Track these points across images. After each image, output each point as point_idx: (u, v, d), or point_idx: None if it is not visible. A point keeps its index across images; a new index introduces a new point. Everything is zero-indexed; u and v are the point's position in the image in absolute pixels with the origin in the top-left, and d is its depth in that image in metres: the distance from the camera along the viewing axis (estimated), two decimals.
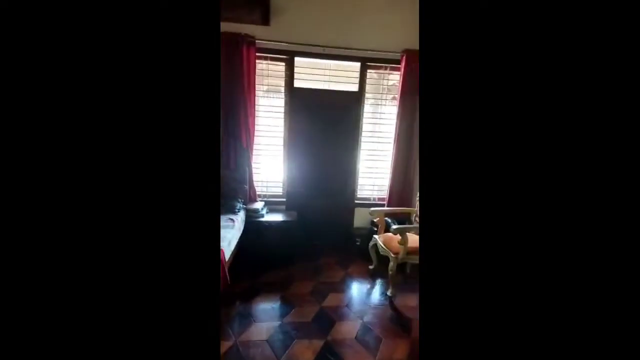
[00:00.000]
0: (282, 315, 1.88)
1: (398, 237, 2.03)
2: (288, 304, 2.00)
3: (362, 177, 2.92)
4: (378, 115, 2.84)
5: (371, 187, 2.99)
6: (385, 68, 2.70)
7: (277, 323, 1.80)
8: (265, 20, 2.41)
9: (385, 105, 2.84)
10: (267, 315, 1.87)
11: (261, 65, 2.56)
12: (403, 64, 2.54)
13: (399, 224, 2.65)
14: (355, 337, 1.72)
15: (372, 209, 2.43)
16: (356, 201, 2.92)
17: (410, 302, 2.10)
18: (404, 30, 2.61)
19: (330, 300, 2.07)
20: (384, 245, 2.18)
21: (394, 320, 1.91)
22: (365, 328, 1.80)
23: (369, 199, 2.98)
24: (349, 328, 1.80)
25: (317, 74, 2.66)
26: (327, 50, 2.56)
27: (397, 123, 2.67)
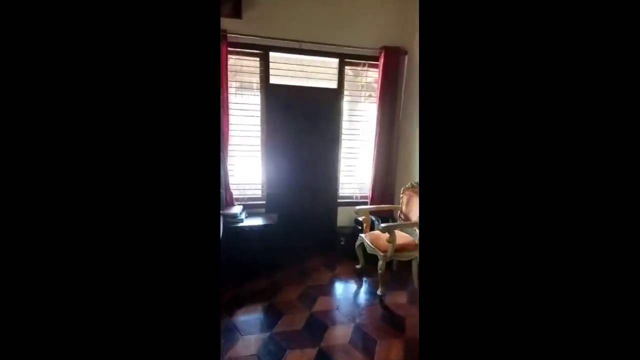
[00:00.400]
0: (271, 325, 1.76)
1: (386, 235, 2.00)
2: (276, 312, 1.89)
3: (344, 176, 2.87)
4: (358, 113, 2.81)
5: (352, 186, 2.95)
6: (364, 65, 2.67)
7: (266, 334, 1.68)
8: (237, 13, 2.26)
9: (364, 102, 2.82)
10: (254, 327, 1.75)
11: (233, 61, 2.41)
12: (382, 60, 2.53)
13: (382, 221, 2.66)
14: (350, 342, 1.66)
15: (358, 207, 2.39)
16: (339, 200, 2.87)
17: (400, 299, 2.09)
18: (382, 27, 2.60)
19: (320, 305, 1.99)
20: (372, 244, 2.15)
21: (386, 319, 1.88)
22: (359, 331, 1.75)
23: (351, 198, 2.95)
24: (342, 332, 1.74)
25: (294, 70, 2.56)
26: (304, 46, 2.47)
27: (377, 120, 2.65)
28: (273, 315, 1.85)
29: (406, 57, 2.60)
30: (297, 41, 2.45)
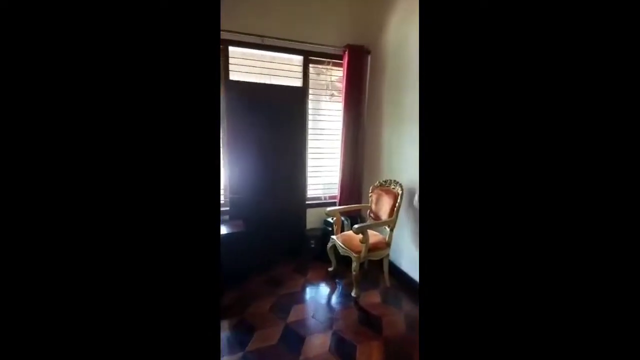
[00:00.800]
0: (243, 343, 1.62)
1: (359, 236, 1.97)
2: (248, 328, 1.74)
3: (310, 176, 2.80)
4: (322, 112, 2.76)
5: (319, 186, 2.90)
6: (328, 63, 2.63)
7: (239, 354, 1.54)
8: None
9: (328, 101, 2.77)
10: (224, 348, 1.59)
11: None
12: (346, 59, 2.51)
13: (351, 220, 2.65)
14: (329, 350, 1.60)
15: (329, 208, 2.33)
16: (307, 202, 2.79)
17: (374, 299, 2.09)
18: (346, 25, 2.58)
19: (294, 314, 1.89)
20: (344, 245, 2.11)
21: (363, 321, 1.85)
22: (337, 337, 1.70)
23: (319, 199, 2.89)
24: (321, 341, 1.67)
25: (256, 67, 2.41)
26: (266, 41, 2.33)
27: (343, 119, 2.63)
28: (245, 332, 1.71)
29: (369, 56, 2.62)
30: (259, 36, 2.30)
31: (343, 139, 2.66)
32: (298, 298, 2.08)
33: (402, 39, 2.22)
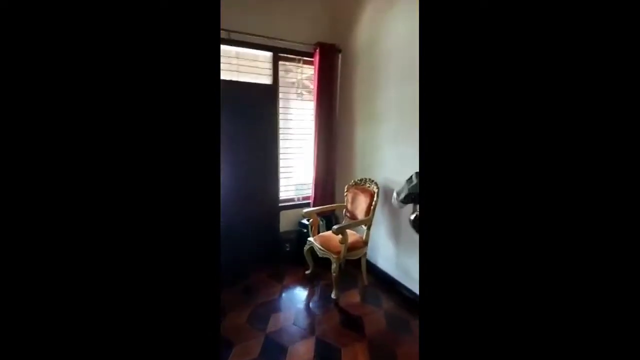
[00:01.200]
0: None
1: (338, 236, 1.94)
2: (225, 343, 1.61)
3: (282, 178, 2.71)
4: (292, 111, 2.68)
5: (291, 187, 2.82)
6: (299, 60, 2.56)
7: None
8: None
9: (298, 99, 2.71)
10: None
11: None
12: (317, 57, 2.46)
13: (326, 221, 2.62)
14: (314, 357, 1.54)
15: (306, 210, 2.27)
16: (280, 204, 2.69)
17: (353, 299, 2.08)
18: (316, 22, 2.54)
19: (274, 324, 1.80)
20: (322, 247, 2.07)
21: (345, 323, 1.83)
22: (321, 343, 1.65)
23: (292, 200, 2.81)
24: (304, 349, 1.60)
25: (223, 63, 2.25)
26: (233, 36, 2.19)
27: (315, 118, 2.58)
28: (223, 347, 1.58)
29: (340, 55, 2.61)
30: (226, 30, 2.16)
31: (316, 138, 2.61)
32: (276, 306, 1.99)
33: (373, 38, 2.24)
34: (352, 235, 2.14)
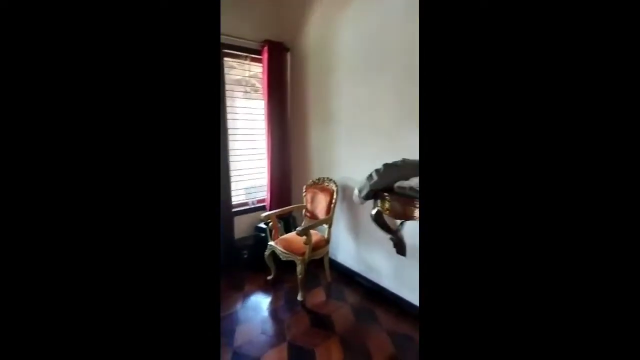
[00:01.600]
0: None
1: (302, 238, 1.93)
2: None
3: (234, 182, 2.56)
4: (237, 110, 2.54)
5: (241, 191, 2.69)
6: (246, 57, 2.44)
7: None
8: None
9: (244, 98, 2.58)
10: None
11: None
12: (265, 55, 2.38)
13: (284, 223, 2.57)
14: None
15: (265, 213, 2.19)
16: (233, 210, 2.54)
17: (319, 298, 2.09)
18: (264, 19, 2.45)
19: (241, 337, 1.70)
20: (285, 250, 2.02)
21: (315, 323, 1.83)
22: (293, 347, 1.62)
23: (246, 204, 2.68)
24: (277, 356, 1.55)
25: None
26: None
27: (266, 118, 2.50)
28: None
29: (289, 54, 2.57)
30: None
31: (269, 138, 2.53)
32: (240, 317, 1.88)
33: (324, 39, 2.26)
34: (314, 235, 2.14)
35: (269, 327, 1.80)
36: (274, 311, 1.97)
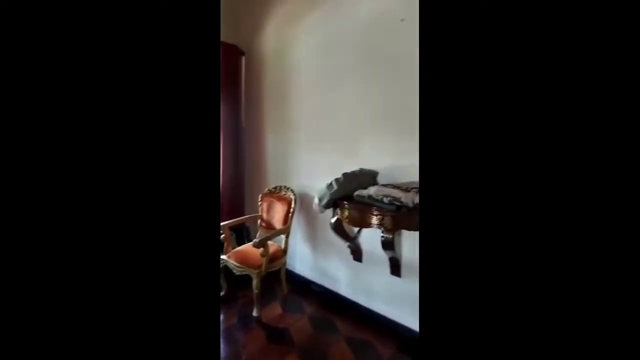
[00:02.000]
0: None
1: (259, 250, 1.84)
2: None
3: None
4: None
5: None
6: None
7: None
8: None
9: None
10: None
11: None
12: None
13: (236, 235, 2.42)
14: None
15: (221, 223, 2.02)
16: None
17: (275, 311, 2.01)
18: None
19: None
20: (240, 263, 1.90)
21: (272, 339, 1.74)
22: None
23: None
24: None
25: None
26: None
27: (220, 120, 2.35)
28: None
29: (243, 57, 2.48)
30: None
31: (222, 143, 2.38)
32: None
33: (282, 45, 2.24)
34: (271, 246, 2.06)
35: (223, 347, 1.65)
36: (226, 330, 1.82)
